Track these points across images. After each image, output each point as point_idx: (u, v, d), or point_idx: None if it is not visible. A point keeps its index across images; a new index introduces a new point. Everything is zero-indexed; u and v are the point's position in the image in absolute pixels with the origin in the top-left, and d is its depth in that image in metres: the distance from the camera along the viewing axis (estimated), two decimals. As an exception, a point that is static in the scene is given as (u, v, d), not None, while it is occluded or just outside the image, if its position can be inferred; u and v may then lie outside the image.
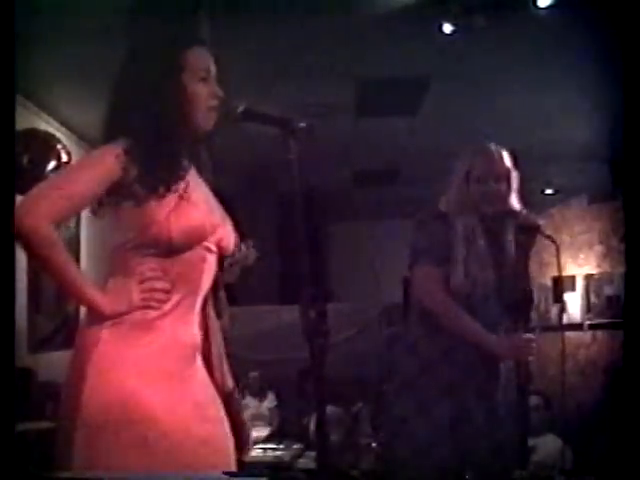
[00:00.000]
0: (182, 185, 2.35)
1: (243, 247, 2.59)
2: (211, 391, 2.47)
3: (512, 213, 3.42)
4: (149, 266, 2.32)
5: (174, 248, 2.32)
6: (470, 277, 3.33)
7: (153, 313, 2.32)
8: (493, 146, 3.49)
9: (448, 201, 3.50)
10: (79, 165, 2.35)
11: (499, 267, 3.41)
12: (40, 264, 2.24)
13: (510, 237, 3.46)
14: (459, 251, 3.35)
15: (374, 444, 7.38)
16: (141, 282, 2.31)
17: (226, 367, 2.62)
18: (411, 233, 3.51)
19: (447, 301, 3.36)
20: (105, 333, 2.26)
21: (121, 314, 2.28)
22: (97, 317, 2.28)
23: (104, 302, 2.27)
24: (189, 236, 2.32)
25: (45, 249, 2.19)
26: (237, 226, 2.57)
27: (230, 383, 2.63)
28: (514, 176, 3.48)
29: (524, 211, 3.44)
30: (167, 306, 2.34)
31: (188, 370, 2.39)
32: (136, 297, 2.30)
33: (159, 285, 2.32)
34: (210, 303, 2.53)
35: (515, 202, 3.46)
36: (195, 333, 2.43)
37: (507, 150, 3.50)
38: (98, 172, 2.26)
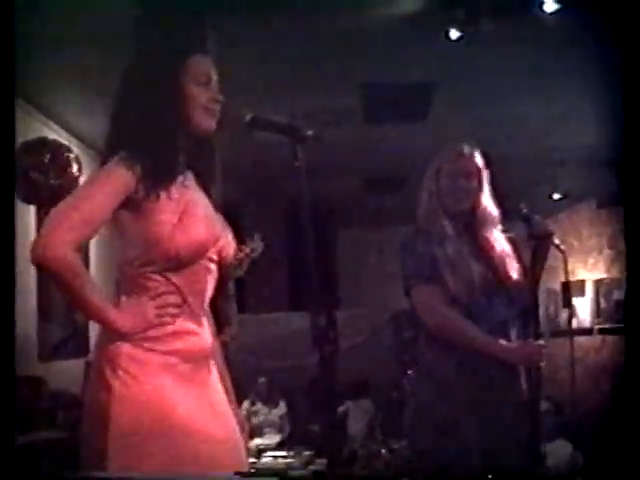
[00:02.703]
0: (183, 196, 2.37)
1: (250, 241, 2.60)
2: (222, 394, 2.50)
3: (524, 219, 3.42)
4: (160, 281, 2.34)
5: (181, 262, 2.34)
6: (463, 283, 3.33)
7: (168, 326, 2.34)
8: (465, 145, 3.51)
9: (420, 211, 3.51)
10: (92, 184, 2.34)
11: (488, 266, 3.40)
12: (63, 291, 2.26)
13: (495, 236, 3.46)
14: (443, 261, 3.35)
15: (384, 450, 7.39)
16: (154, 298, 2.33)
17: (226, 372, 2.64)
18: (399, 259, 3.52)
19: (450, 315, 3.35)
20: (126, 347, 2.29)
21: (138, 333, 2.31)
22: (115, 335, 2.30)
23: (123, 323, 2.29)
24: (195, 250, 2.35)
25: (70, 278, 2.21)
26: (238, 230, 2.59)
27: (230, 389, 2.66)
28: (485, 175, 3.48)
29: (536, 217, 3.43)
30: (180, 318, 2.37)
31: (203, 375, 2.43)
32: (152, 314, 2.32)
33: (171, 300, 2.35)
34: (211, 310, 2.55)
35: (487, 200, 3.47)
36: (206, 338, 2.46)
37: (480, 151, 3.51)
38: (112, 188, 2.27)
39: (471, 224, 3.46)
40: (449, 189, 3.43)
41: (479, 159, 3.47)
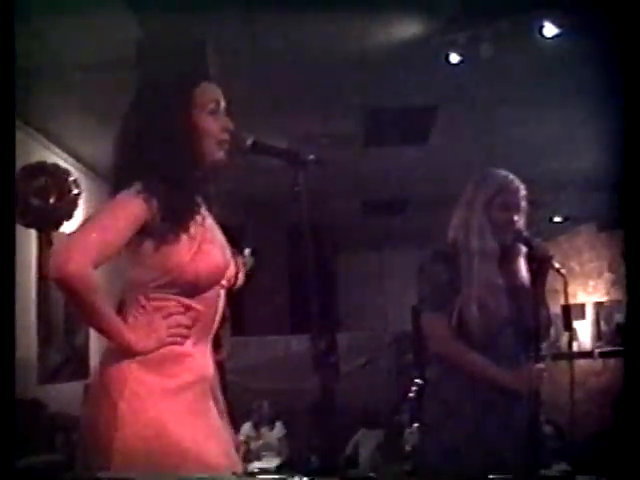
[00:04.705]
0: (201, 225, 2.38)
1: (241, 256, 2.61)
2: (221, 422, 2.50)
3: (525, 241, 3.41)
4: (172, 302, 2.34)
5: (200, 287, 2.35)
6: (485, 308, 3.32)
7: (177, 348, 2.35)
8: (512, 176, 3.48)
9: (460, 224, 3.46)
10: (110, 211, 2.34)
11: (513, 296, 3.40)
12: (81, 308, 2.25)
13: (521, 265, 3.45)
14: (470, 282, 3.33)
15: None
16: (165, 318, 2.33)
17: (221, 397, 2.65)
18: (417, 281, 3.50)
19: (455, 347, 3.35)
20: (135, 368, 2.29)
21: (151, 351, 2.31)
22: (124, 353, 2.30)
23: (137, 341, 2.29)
24: (213, 275, 2.36)
25: (88, 295, 2.21)
26: (240, 254, 2.59)
27: (224, 411, 2.66)
28: (526, 209, 3.47)
29: (537, 240, 3.42)
30: (188, 341, 2.37)
31: (207, 402, 2.44)
32: (164, 333, 2.33)
33: (183, 320, 2.35)
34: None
35: (526, 233, 3.45)
36: (210, 364, 2.47)
37: (522, 180, 3.49)
38: (128, 215, 2.27)
39: (510, 252, 3.45)
40: (503, 221, 3.40)
41: (523, 191, 3.46)
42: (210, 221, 2.48)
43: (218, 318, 2.47)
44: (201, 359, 2.42)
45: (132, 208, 2.27)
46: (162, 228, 2.29)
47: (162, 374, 2.31)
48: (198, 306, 2.37)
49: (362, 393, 8.99)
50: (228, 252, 2.48)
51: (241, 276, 2.55)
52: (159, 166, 2.32)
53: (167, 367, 2.32)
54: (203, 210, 2.45)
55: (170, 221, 2.29)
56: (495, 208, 3.41)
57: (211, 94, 2.45)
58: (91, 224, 2.30)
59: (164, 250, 2.30)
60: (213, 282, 2.37)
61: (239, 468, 2.51)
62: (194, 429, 2.31)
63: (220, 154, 2.43)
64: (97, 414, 2.30)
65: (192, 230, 2.33)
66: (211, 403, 2.47)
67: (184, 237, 2.31)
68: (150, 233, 2.30)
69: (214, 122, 2.42)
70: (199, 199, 2.43)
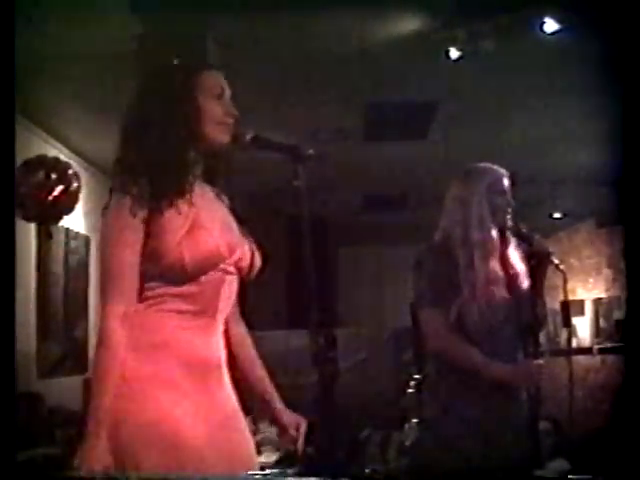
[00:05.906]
0: (192, 207, 2.37)
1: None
2: (234, 406, 2.50)
3: (524, 238, 3.42)
4: (167, 291, 2.34)
5: (188, 275, 2.32)
6: (486, 304, 3.32)
7: (172, 332, 2.34)
8: (490, 164, 3.51)
9: (456, 221, 3.46)
10: (113, 244, 2.34)
11: (512, 291, 3.41)
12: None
13: (519, 260, 3.46)
14: (471, 278, 3.33)
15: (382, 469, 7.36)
16: (158, 304, 2.34)
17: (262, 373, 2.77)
18: (412, 276, 3.50)
19: (454, 342, 3.35)
20: (129, 357, 2.28)
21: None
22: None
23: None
24: (203, 261, 2.32)
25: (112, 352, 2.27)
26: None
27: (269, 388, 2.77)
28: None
29: (536, 237, 3.43)
30: (185, 325, 2.36)
31: (211, 386, 2.41)
32: (164, 322, 2.33)
33: (174, 307, 2.34)
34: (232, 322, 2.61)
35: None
36: (215, 350, 2.44)
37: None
38: (130, 235, 2.29)
39: (508, 245, 3.46)
40: (504, 204, 3.42)
41: (507, 177, 3.49)
42: (214, 206, 2.48)
43: (224, 305, 2.44)
44: (198, 342, 2.38)
45: (129, 229, 2.29)
46: (146, 204, 2.29)
47: (156, 359, 2.30)
48: (191, 293, 2.35)
49: (361, 389, 8.99)
50: (234, 237, 2.46)
51: (257, 263, 2.52)
52: (155, 141, 2.33)
53: (161, 352, 2.32)
54: (202, 194, 2.45)
55: (154, 201, 2.29)
56: (494, 195, 3.42)
57: (216, 80, 2.46)
58: (108, 264, 2.32)
59: (152, 237, 2.29)
60: (204, 268, 2.34)
61: (252, 461, 2.52)
62: (194, 413, 2.30)
63: (223, 137, 2.43)
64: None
65: (182, 215, 2.32)
66: (222, 388, 2.45)
67: (173, 222, 2.30)
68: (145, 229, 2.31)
69: (218, 106, 2.42)
70: (192, 181, 2.43)
